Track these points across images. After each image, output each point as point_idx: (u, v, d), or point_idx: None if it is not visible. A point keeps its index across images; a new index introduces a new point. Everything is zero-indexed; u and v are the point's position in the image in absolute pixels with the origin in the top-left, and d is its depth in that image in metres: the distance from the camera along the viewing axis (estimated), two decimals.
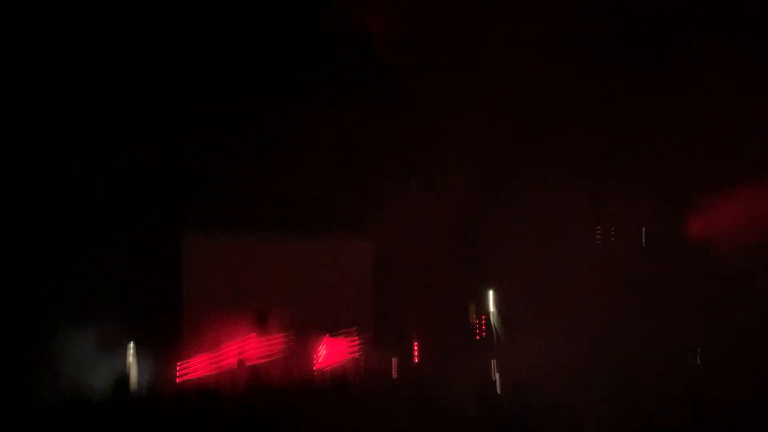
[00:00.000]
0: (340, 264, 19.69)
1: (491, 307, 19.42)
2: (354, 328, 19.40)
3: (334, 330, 19.40)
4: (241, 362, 19.02)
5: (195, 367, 18.95)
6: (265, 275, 19.36)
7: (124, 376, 18.04)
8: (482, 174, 18.78)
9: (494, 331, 19.28)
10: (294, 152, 19.58)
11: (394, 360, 19.10)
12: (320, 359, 19.28)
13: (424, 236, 18.99)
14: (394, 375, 19.09)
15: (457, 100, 18.65)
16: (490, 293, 19.43)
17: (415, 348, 19.43)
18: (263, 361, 19.08)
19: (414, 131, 18.70)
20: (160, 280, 18.61)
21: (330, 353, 19.34)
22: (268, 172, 19.73)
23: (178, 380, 18.78)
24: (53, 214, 17.35)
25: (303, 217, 19.69)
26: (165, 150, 18.32)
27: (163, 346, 18.45)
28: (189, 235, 19.31)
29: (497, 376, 18.56)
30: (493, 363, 18.74)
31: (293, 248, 19.57)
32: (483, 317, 19.48)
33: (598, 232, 20.03)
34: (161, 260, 18.71)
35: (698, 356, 18.48)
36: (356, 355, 19.36)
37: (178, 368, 18.80)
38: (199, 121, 18.60)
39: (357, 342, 19.43)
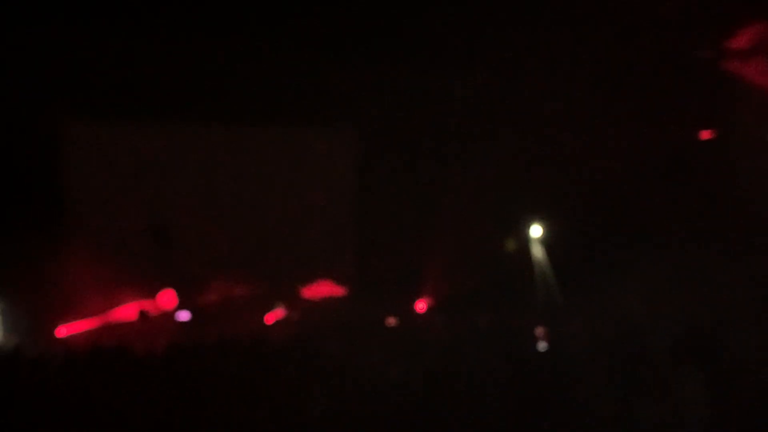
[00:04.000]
0: (310, 168, 12.79)
1: (539, 247, 12.78)
2: (327, 267, 12.79)
3: (296, 269, 12.79)
4: (143, 314, 12.45)
5: (81, 322, 12.48)
6: (197, 184, 12.64)
7: None
8: None
9: (542, 283, 12.68)
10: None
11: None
12: (275, 312, 12.72)
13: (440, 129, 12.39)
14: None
15: None
16: (537, 226, 12.80)
17: (421, 303, 12.85)
18: (182, 312, 12.53)
19: None
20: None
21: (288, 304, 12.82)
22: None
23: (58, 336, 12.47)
24: None
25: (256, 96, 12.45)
26: None
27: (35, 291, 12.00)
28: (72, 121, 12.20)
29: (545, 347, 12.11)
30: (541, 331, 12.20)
31: (239, 143, 12.70)
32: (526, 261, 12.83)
33: None
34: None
35: None
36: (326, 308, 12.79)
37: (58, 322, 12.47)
38: None
39: (330, 288, 12.87)
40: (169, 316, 12.63)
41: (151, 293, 12.72)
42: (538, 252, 12.53)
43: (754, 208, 11.66)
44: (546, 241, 12.57)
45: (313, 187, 12.66)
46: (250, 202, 12.60)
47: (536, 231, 12.59)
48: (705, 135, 12.75)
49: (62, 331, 12.49)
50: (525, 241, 12.61)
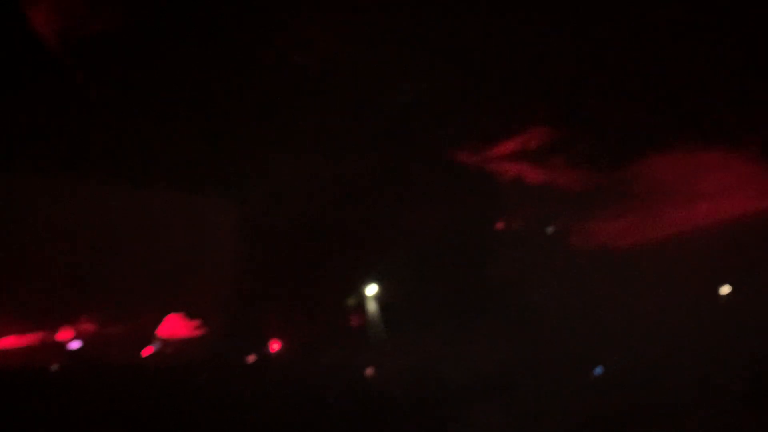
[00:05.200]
0: (192, 225, 15.05)
1: (373, 303, 15.65)
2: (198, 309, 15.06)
3: (171, 309, 14.98)
4: (38, 343, 13.98)
5: None
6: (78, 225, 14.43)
7: None
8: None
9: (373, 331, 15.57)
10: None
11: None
12: (151, 347, 14.82)
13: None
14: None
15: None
16: (375, 285, 15.65)
17: (275, 344, 15.35)
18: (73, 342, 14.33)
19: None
20: None
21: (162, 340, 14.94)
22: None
23: None
24: None
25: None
26: None
27: None
28: None
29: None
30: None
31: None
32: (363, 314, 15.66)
33: None
34: None
35: None
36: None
37: None
38: None
39: (197, 328, 15.13)
40: (61, 345, 14.31)
41: (44, 324, 14.37)
42: (372, 307, 15.33)
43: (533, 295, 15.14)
44: (379, 299, 15.42)
45: (194, 240, 14.88)
46: (136, 245, 14.59)
47: (372, 289, 15.40)
48: (499, 226, 15.99)
49: None
50: (363, 297, 15.41)
